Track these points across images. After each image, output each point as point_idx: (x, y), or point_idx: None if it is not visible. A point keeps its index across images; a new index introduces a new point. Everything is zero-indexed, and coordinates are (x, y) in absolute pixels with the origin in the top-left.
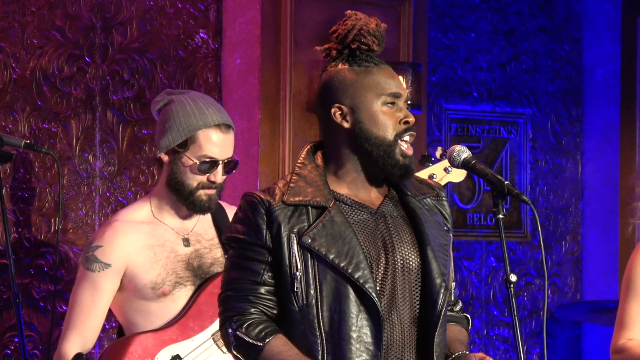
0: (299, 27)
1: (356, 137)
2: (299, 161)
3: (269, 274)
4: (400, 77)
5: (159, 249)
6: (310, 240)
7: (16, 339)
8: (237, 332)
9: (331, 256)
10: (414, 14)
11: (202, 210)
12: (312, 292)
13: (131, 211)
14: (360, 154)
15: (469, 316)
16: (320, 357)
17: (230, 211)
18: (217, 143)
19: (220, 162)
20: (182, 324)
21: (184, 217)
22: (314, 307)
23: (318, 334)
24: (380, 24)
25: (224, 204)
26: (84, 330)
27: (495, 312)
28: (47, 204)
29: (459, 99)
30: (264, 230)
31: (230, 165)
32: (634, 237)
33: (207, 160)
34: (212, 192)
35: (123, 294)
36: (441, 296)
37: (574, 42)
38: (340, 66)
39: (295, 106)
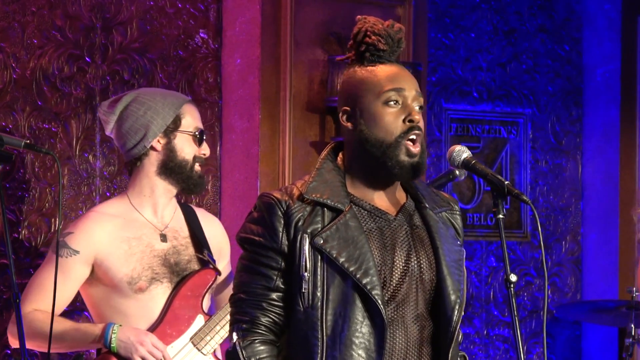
0: (299, 27)
1: (360, 139)
2: (319, 160)
3: (282, 279)
4: None
5: (134, 242)
6: (322, 242)
7: None
8: (237, 342)
9: (341, 259)
10: (414, 14)
11: (199, 188)
12: (318, 294)
13: (108, 204)
14: (365, 157)
15: (466, 355)
16: None
17: (200, 214)
18: (198, 115)
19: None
20: (159, 331)
21: (162, 213)
22: (319, 310)
23: (320, 336)
24: (393, 24)
25: (194, 207)
26: (43, 303)
27: (495, 312)
28: (47, 204)
29: (459, 99)
30: (280, 233)
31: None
32: (634, 237)
33: (198, 131)
34: (201, 168)
35: (99, 288)
36: (456, 312)
37: (574, 42)
38: (351, 69)
39: (295, 106)
